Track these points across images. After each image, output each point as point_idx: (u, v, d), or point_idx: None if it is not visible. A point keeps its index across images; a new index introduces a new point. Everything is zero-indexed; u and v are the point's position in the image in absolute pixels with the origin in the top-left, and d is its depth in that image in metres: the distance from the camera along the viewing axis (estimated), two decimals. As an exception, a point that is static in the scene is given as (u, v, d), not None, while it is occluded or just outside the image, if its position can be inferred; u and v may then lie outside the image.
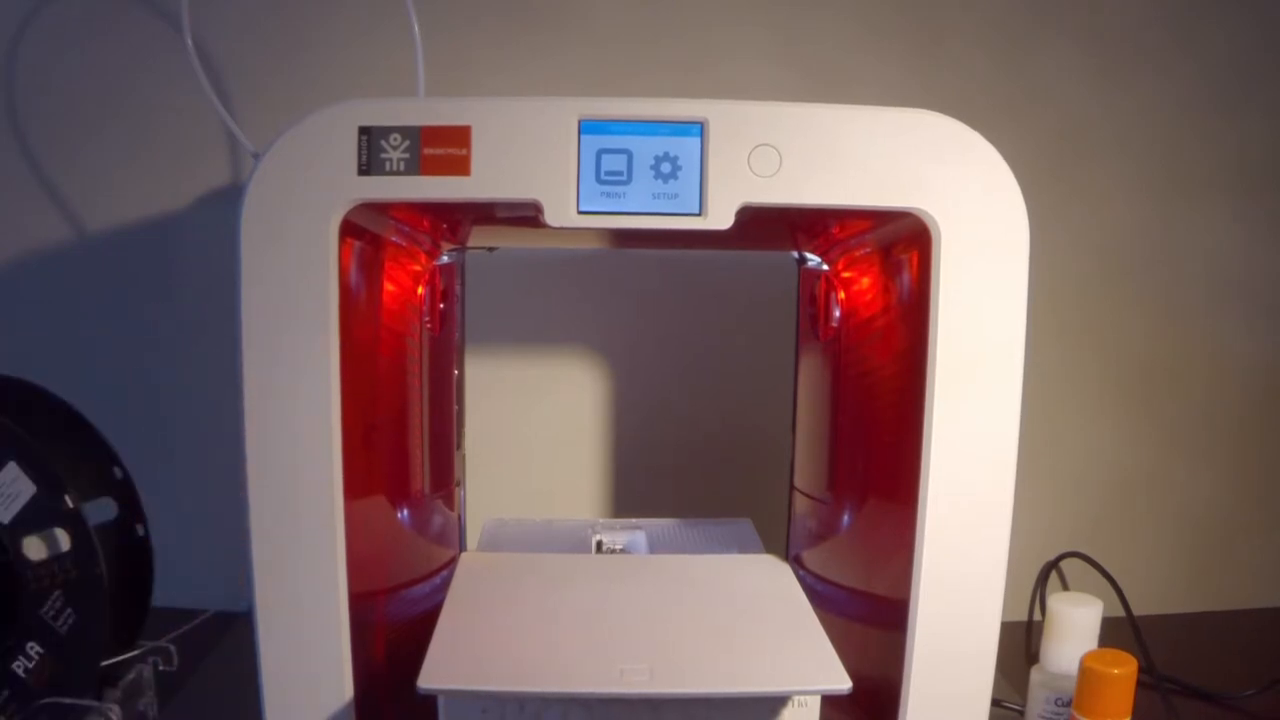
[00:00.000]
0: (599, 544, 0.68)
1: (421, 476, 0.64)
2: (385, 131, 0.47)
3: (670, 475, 0.85)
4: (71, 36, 0.78)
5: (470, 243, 0.69)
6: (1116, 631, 0.68)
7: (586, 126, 0.48)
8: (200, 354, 0.81)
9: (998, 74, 0.82)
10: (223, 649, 0.71)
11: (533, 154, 0.47)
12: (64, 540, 0.53)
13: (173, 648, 0.60)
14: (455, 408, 0.71)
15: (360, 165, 0.47)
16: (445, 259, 0.66)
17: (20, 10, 0.78)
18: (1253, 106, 0.84)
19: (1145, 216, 0.85)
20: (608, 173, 0.48)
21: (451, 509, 0.71)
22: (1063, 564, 0.86)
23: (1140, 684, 0.49)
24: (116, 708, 0.55)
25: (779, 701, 0.47)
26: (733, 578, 0.59)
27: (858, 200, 0.48)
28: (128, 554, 0.60)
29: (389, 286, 0.58)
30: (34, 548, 0.53)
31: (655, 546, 0.69)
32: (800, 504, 0.70)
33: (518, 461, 0.84)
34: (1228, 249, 0.85)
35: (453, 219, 0.59)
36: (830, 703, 0.49)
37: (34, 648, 0.54)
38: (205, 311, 0.80)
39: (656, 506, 0.81)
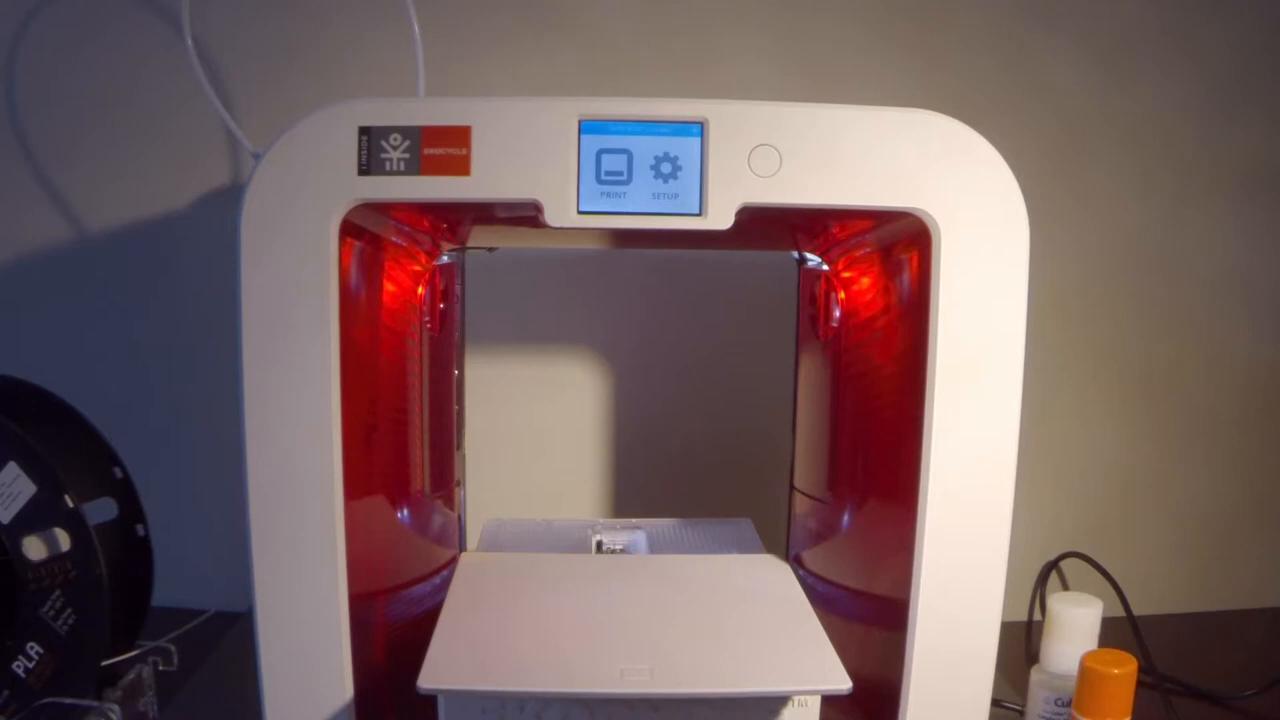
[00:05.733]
0: (599, 544, 0.68)
1: (421, 476, 0.64)
2: (385, 131, 0.47)
3: (670, 475, 0.85)
4: (71, 36, 0.78)
5: (470, 243, 0.69)
6: (1116, 631, 0.68)
7: (586, 126, 0.48)
8: (200, 354, 0.81)
9: (998, 74, 0.82)
10: (223, 649, 0.71)
11: (533, 154, 0.47)
12: (64, 540, 0.53)
13: (173, 648, 0.60)
14: (455, 408, 0.71)
15: (360, 165, 0.47)
16: (445, 259, 0.66)
17: (20, 10, 0.78)
18: (1253, 107, 0.84)
19: (1145, 217, 0.85)
20: (608, 173, 0.48)
21: (451, 509, 0.71)
22: (1063, 564, 0.86)
23: (1140, 684, 0.49)
24: (116, 708, 0.55)
25: (779, 701, 0.47)
26: (733, 578, 0.59)
27: (858, 200, 0.48)
28: (128, 554, 0.60)
29: (389, 286, 0.58)
30: (34, 548, 0.53)
31: (655, 546, 0.69)
32: (800, 504, 0.70)
33: (518, 461, 0.84)
34: (1228, 249, 0.85)
35: (453, 219, 0.59)
36: (830, 703, 0.48)
37: (34, 648, 0.54)
38: (205, 311, 0.80)
39: (656, 506, 0.81)
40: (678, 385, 0.84)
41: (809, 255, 0.68)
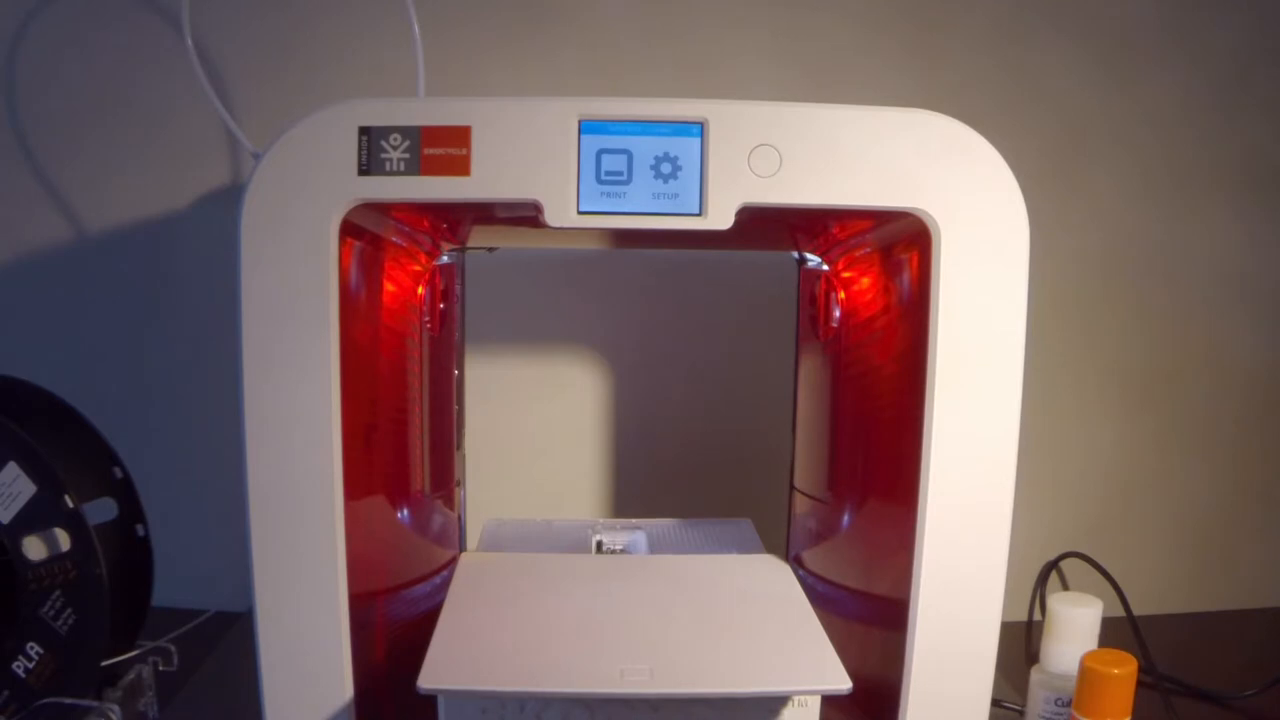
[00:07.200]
0: (599, 544, 0.68)
1: (421, 476, 0.64)
2: (385, 131, 0.47)
3: (670, 475, 0.85)
4: (72, 36, 0.78)
5: (470, 243, 0.69)
6: (1116, 631, 0.68)
7: (586, 126, 0.48)
8: (200, 354, 0.81)
9: (998, 74, 0.82)
10: (223, 649, 0.71)
11: (533, 154, 0.47)
12: (64, 540, 0.53)
13: (173, 648, 0.60)
14: (455, 408, 0.71)
15: (360, 165, 0.47)
16: (445, 259, 0.66)
17: (20, 10, 0.78)
18: (1253, 107, 0.84)
19: (1145, 216, 0.85)
20: (608, 173, 0.48)
21: (451, 509, 0.71)
22: (1063, 564, 0.86)
23: (1140, 684, 0.49)
24: (116, 708, 0.55)
25: (779, 701, 0.47)
26: (733, 578, 0.59)
27: (858, 200, 0.48)
28: (128, 554, 0.60)
29: (389, 286, 0.58)
30: (34, 548, 0.53)
31: (655, 546, 0.69)
32: (800, 504, 0.70)
33: (518, 461, 0.84)
34: (1228, 249, 0.85)
35: (453, 219, 0.59)
36: (830, 703, 0.48)
37: (34, 648, 0.54)
38: (205, 312, 0.81)
39: (656, 506, 0.81)
40: (678, 385, 0.84)
41: (809, 255, 0.68)
